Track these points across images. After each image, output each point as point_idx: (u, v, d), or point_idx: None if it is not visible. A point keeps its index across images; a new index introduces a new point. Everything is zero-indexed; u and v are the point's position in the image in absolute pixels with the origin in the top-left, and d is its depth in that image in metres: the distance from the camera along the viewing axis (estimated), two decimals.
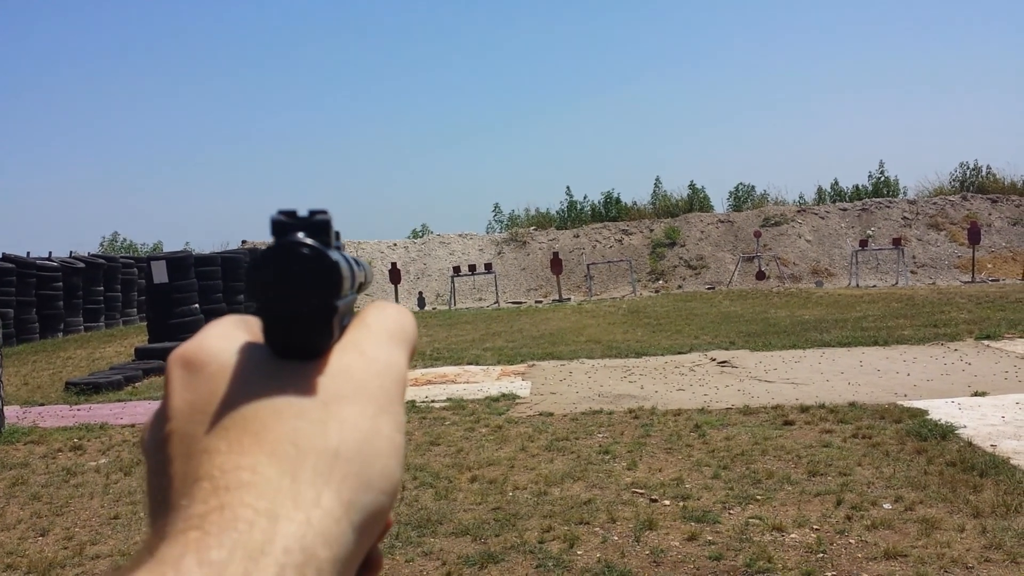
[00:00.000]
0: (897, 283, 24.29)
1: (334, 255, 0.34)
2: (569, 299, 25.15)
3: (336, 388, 0.34)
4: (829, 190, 35.33)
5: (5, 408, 8.58)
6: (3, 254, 19.69)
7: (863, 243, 25.58)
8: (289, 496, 0.30)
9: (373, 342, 0.37)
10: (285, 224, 0.34)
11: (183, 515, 0.30)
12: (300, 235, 0.34)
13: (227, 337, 0.36)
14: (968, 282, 23.49)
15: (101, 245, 40.13)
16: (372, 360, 0.36)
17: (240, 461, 0.31)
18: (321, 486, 0.31)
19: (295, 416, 0.33)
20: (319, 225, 0.34)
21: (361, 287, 0.43)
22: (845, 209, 29.59)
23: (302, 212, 0.35)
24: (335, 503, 0.31)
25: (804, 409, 7.53)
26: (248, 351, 0.35)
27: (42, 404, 10.18)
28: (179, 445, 0.33)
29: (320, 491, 0.31)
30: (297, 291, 0.33)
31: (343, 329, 0.37)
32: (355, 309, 0.40)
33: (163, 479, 0.33)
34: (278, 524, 0.29)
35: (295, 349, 0.35)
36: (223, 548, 0.28)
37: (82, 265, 21.57)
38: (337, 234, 0.42)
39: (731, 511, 5.06)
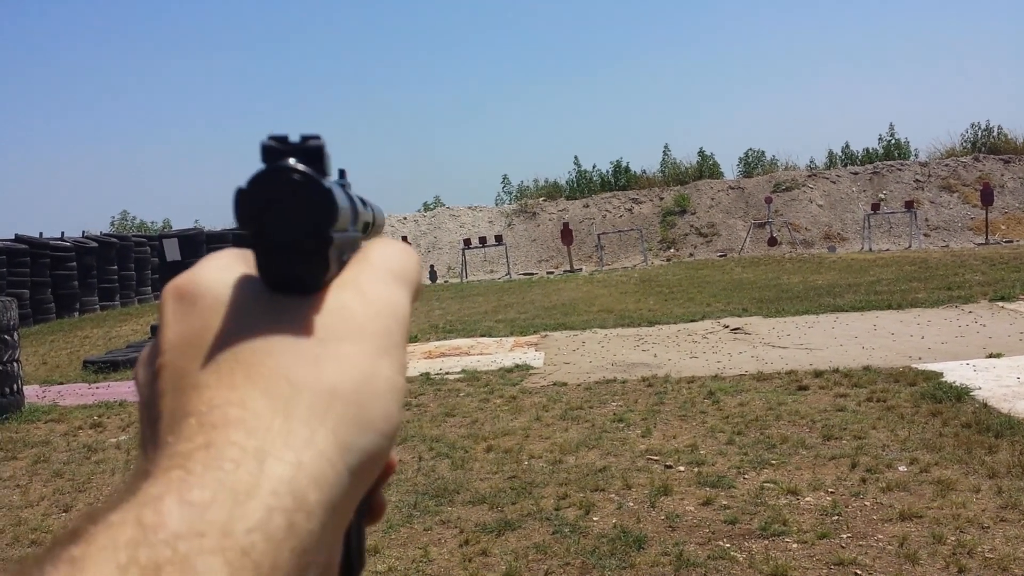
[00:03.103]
0: (910, 246, 24.15)
1: (328, 183, 0.32)
2: (580, 269, 25.13)
3: (334, 325, 0.32)
4: (840, 154, 35.01)
5: (25, 388, 8.68)
6: (16, 235, 19.79)
7: (875, 207, 25.41)
8: (280, 435, 0.29)
9: (375, 279, 0.35)
10: (276, 150, 0.32)
11: (168, 452, 0.29)
12: (291, 160, 0.32)
13: (224, 269, 0.35)
14: (982, 244, 23.33)
15: (111, 224, 40.32)
16: (373, 298, 0.34)
17: (230, 396, 0.30)
18: (316, 425, 0.30)
19: (290, 352, 0.31)
20: (312, 151, 0.32)
21: (368, 227, 0.41)
22: (856, 173, 29.35)
23: (294, 138, 0.33)
24: (330, 443, 0.29)
25: (818, 374, 7.52)
26: (244, 284, 0.34)
27: (61, 383, 10.28)
28: (170, 379, 0.32)
29: (314, 430, 0.29)
30: (288, 219, 0.31)
31: (343, 265, 0.35)
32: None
33: (153, 413, 0.32)
34: (265, 464, 0.28)
35: (289, 281, 0.33)
36: (206, 488, 0.27)
37: (95, 244, 21.67)
38: (343, 171, 0.41)
39: (746, 476, 5.09)
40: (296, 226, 0.31)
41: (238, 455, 0.28)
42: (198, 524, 0.26)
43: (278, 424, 0.29)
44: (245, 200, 0.31)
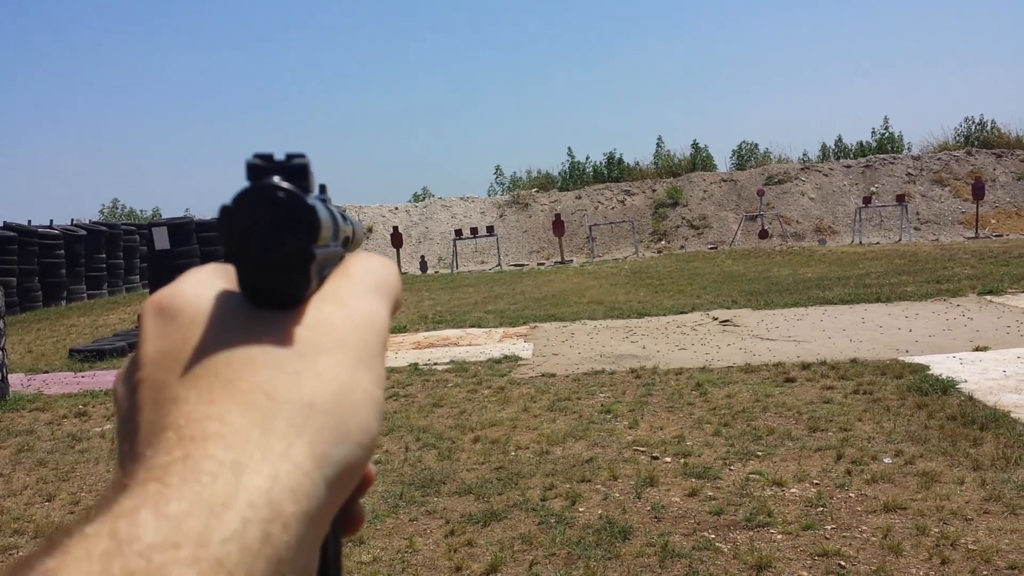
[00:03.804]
0: (900, 240, 24.22)
1: (311, 200, 0.33)
2: (571, 261, 25.13)
3: (314, 339, 0.33)
4: (833, 147, 35.09)
5: (10, 376, 8.62)
6: (4, 223, 19.66)
7: (867, 200, 25.46)
8: (258, 448, 0.29)
9: (354, 293, 0.35)
10: (261, 168, 0.33)
11: (145, 465, 0.29)
12: (276, 178, 0.32)
13: (204, 284, 0.35)
14: (972, 238, 23.40)
15: (101, 212, 40.14)
16: (353, 311, 0.35)
17: (208, 411, 0.30)
18: (293, 438, 0.30)
19: (269, 366, 0.31)
20: (296, 169, 0.33)
21: (348, 242, 0.41)
22: (849, 166, 29.40)
23: (279, 156, 0.34)
24: (306, 456, 0.30)
25: (805, 366, 7.53)
26: (225, 299, 0.34)
27: (46, 371, 10.23)
28: (149, 393, 0.32)
29: (291, 443, 0.30)
30: (272, 236, 0.32)
31: (323, 279, 0.35)
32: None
33: (131, 427, 0.32)
34: (243, 477, 0.28)
35: (270, 297, 0.33)
36: (182, 501, 0.27)
37: (84, 233, 21.56)
38: (323, 187, 0.41)
39: (732, 467, 5.09)
40: (280, 243, 0.32)
41: (215, 468, 0.28)
42: (173, 535, 0.26)
43: (256, 438, 0.29)
44: (230, 217, 0.32)
